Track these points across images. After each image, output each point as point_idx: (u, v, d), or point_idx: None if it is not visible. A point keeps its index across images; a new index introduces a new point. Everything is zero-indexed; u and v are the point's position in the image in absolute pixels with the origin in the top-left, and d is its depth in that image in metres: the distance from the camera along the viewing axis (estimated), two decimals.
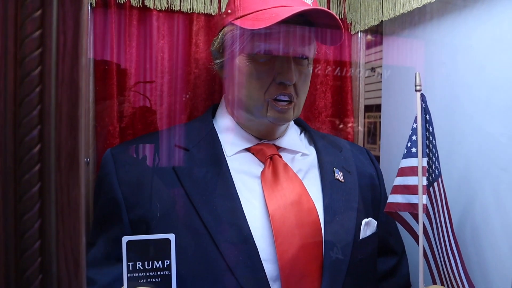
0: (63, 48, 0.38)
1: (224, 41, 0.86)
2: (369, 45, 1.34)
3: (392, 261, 0.99)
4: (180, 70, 1.13)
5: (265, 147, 0.89)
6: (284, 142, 0.92)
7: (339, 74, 1.32)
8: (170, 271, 0.62)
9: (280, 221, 0.78)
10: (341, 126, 1.33)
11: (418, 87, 0.82)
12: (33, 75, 0.37)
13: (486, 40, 0.88)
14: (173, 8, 1.10)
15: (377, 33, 1.30)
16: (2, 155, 0.37)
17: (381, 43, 1.29)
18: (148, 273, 0.62)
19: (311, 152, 0.95)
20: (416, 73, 0.82)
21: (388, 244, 0.99)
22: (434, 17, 1.03)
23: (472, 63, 0.92)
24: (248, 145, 0.89)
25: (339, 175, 0.91)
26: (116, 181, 0.82)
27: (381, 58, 1.29)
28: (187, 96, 1.13)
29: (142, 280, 0.61)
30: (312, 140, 0.98)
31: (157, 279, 0.62)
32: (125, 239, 0.61)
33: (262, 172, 0.85)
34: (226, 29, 0.86)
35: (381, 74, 1.31)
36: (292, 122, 0.98)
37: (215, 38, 0.91)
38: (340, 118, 1.34)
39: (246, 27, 0.79)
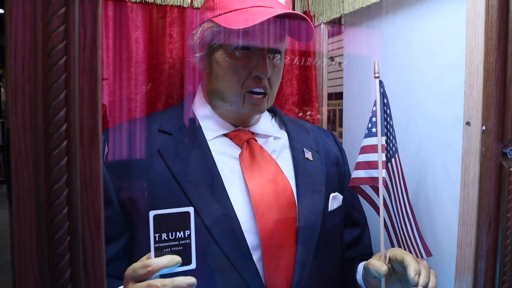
0: (84, 41, 0.44)
1: (204, 36, 0.91)
2: (330, 36, 1.43)
3: (356, 232, 1.10)
4: (155, 60, 1.18)
5: (241, 133, 0.97)
6: (258, 128, 1.00)
7: (304, 63, 1.41)
8: (190, 240, 0.70)
9: (259, 197, 0.86)
10: (307, 112, 1.42)
11: (377, 74, 0.92)
12: (59, 64, 0.43)
13: (436, 32, 0.99)
14: (147, 0, 1.15)
15: (339, 24, 1.40)
16: (35, 134, 0.43)
17: (341, 34, 1.39)
18: (171, 243, 0.69)
19: (283, 135, 1.04)
20: (375, 62, 0.92)
21: (352, 217, 1.10)
22: (390, 11, 1.14)
23: (424, 53, 1.03)
24: (225, 131, 0.96)
25: (308, 155, 1.00)
26: (103, 165, 0.86)
27: (342, 47, 1.40)
28: (149, 85, 1.18)
29: (166, 249, 0.69)
30: (282, 124, 1.07)
31: (179, 248, 0.69)
32: (152, 213, 0.68)
33: (240, 154, 0.93)
34: (205, 25, 0.91)
35: (340, 63, 1.41)
36: None
37: (194, 32, 0.96)
38: (306, 104, 1.43)
39: (227, 26, 0.85)
